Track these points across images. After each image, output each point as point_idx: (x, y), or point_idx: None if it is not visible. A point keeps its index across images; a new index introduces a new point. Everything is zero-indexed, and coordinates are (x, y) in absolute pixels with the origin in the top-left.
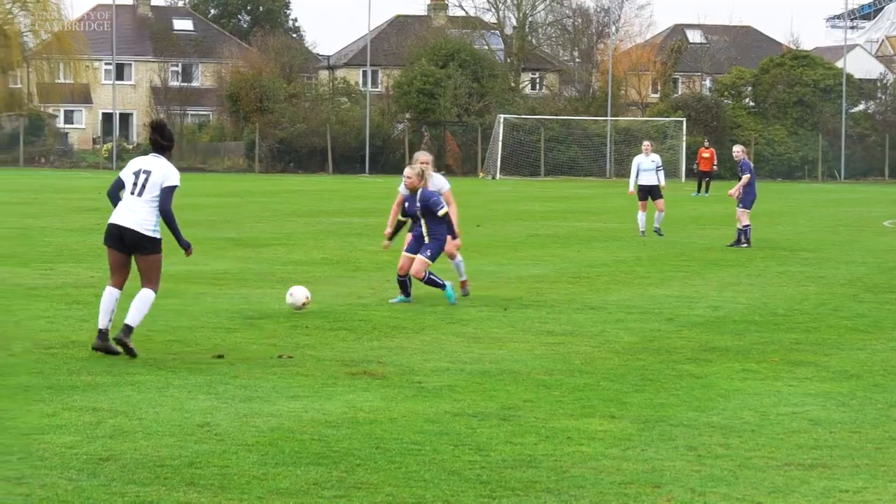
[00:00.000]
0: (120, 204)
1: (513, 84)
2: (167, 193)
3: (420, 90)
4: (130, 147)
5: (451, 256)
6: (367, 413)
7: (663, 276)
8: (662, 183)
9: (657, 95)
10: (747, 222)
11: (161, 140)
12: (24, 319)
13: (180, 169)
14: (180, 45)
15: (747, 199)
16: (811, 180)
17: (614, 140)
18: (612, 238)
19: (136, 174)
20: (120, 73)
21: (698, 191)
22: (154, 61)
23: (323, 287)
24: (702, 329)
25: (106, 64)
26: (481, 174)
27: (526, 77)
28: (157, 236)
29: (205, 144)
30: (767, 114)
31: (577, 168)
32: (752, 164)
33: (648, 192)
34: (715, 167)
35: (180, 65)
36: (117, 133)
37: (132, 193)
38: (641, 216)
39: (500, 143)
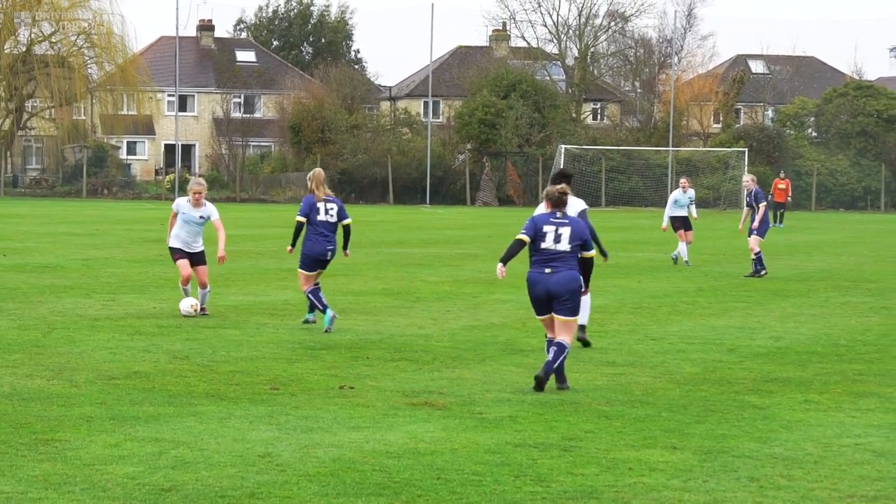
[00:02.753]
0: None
1: (574, 114)
2: None
3: (481, 120)
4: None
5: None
6: (428, 444)
7: (725, 307)
8: (695, 215)
9: (719, 126)
10: (759, 249)
11: None
12: (87, 350)
13: (243, 200)
14: (243, 77)
15: (762, 228)
16: (874, 211)
17: (676, 170)
18: (673, 268)
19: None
20: (183, 104)
21: (774, 221)
22: (217, 93)
23: (383, 318)
24: (764, 360)
25: (169, 95)
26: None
27: (587, 107)
28: None
29: (266, 175)
30: (830, 144)
31: (639, 198)
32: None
33: (682, 224)
34: (789, 198)
35: (242, 96)
36: (179, 164)
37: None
38: (682, 245)
39: None
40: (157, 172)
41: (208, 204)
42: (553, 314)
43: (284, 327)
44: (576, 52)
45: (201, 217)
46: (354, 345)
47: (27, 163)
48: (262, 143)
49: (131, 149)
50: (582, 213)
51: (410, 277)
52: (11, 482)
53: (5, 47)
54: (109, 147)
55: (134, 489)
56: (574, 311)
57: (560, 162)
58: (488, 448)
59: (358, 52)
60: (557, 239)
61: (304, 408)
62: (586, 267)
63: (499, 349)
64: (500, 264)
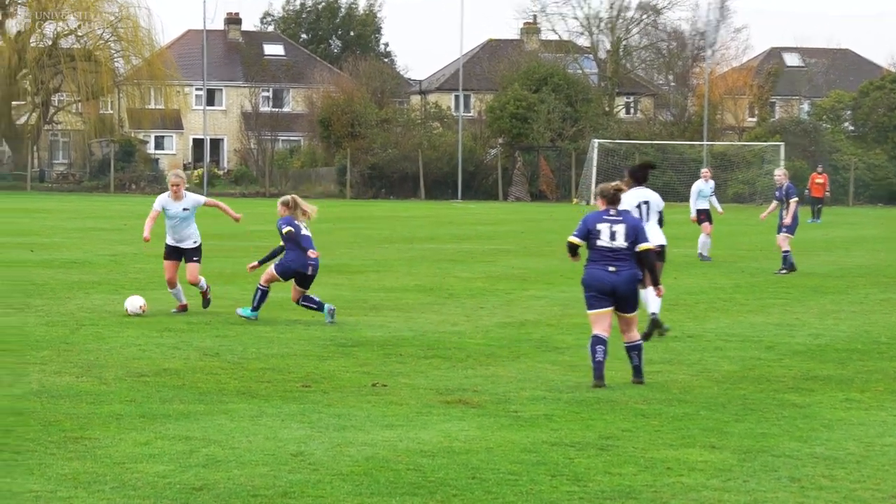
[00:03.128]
0: None
1: (607, 108)
2: None
3: (513, 115)
4: (221, 173)
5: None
6: (462, 442)
7: (763, 304)
8: (720, 210)
9: (754, 119)
10: (788, 248)
11: None
12: (115, 347)
13: (272, 195)
14: (271, 70)
15: (793, 224)
16: None
17: (711, 165)
18: (709, 264)
19: None
20: (211, 98)
21: (811, 217)
22: (245, 86)
23: (416, 314)
24: (803, 357)
25: (197, 89)
26: (575, 200)
27: (620, 101)
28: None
29: (296, 170)
30: (867, 138)
31: (673, 193)
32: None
33: (707, 216)
34: (827, 193)
35: (271, 90)
36: (208, 159)
37: None
38: (705, 239)
39: (595, 168)
40: (185, 167)
41: (189, 194)
42: (617, 312)
43: (316, 324)
44: (608, 45)
45: (185, 209)
46: (387, 342)
47: (54, 157)
48: (292, 138)
49: (159, 143)
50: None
51: (443, 273)
52: (41, 481)
53: (31, 41)
54: (137, 141)
55: (164, 488)
56: (636, 305)
57: (593, 156)
58: (524, 447)
59: (387, 45)
60: (612, 236)
61: (336, 406)
62: (644, 261)
63: (533, 346)
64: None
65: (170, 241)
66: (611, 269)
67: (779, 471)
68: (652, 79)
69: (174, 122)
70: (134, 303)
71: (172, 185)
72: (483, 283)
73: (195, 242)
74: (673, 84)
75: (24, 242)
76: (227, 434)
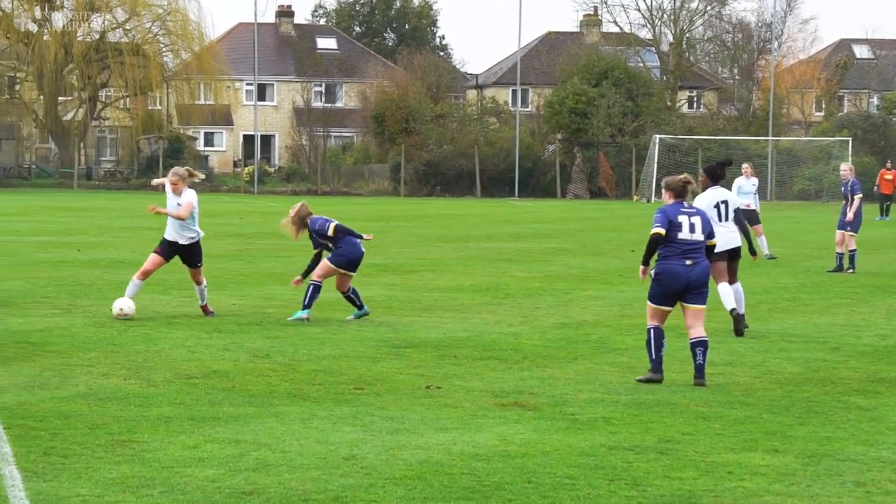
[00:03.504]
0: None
1: (669, 103)
2: None
3: (572, 109)
4: (272, 170)
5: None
6: (518, 446)
7: (828, 304)
8: (757, 207)
9: (821, 114)
10: (855, 246)
11: None
12: (164, 348)
13: (324, 193)
14: (324, 65)
15: (856, 222)
16: None
17: (776, 161)
18: (773, 264)
19: None
20: (262, 93)
21: (882, 214)
22: (297, 81)
23: (471, 315)
24: (870, 359)
25: (247, 84)
26: (635, 197)
27: (683, 95)
28: None
29: (348, 167)
30: None
31: None
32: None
33: (747, 217)
34: None
35: (324, 85)
36: (259, 155)
37: None
38: (763, 239)
39: (656, 165)
40: (235, 164)
41: (188, 191)
42: (687, 305)
43: (368, 324)
44: (670, 38)
45: (178, 205)
46: (441, 343)
47: (101, 154)
48: (344, 134)
49: (208, 140)
50: (736, 210)
51: (499, 273)
52: (88, 485)
53: (78, 35)
54: (186, 138)
55: (214, 492)
56: (706, 298)
57: (654, 153)
58: (581, 450)
59: (443, 38)
60: (692, 229)
61: (389, 408)
62: (710, 255)
63: (591, 347)
64: (642, 266)
65: (170, 235)
66: (688, 262)
67: (843, 475)
68: (716, 72)
69: (224, 117)
70: (118, 304)
71: (171, 184)
72: (540, 283)
73: (195, 238)
74: (737, 77)
75: (70, 242)
76: (277, 437)
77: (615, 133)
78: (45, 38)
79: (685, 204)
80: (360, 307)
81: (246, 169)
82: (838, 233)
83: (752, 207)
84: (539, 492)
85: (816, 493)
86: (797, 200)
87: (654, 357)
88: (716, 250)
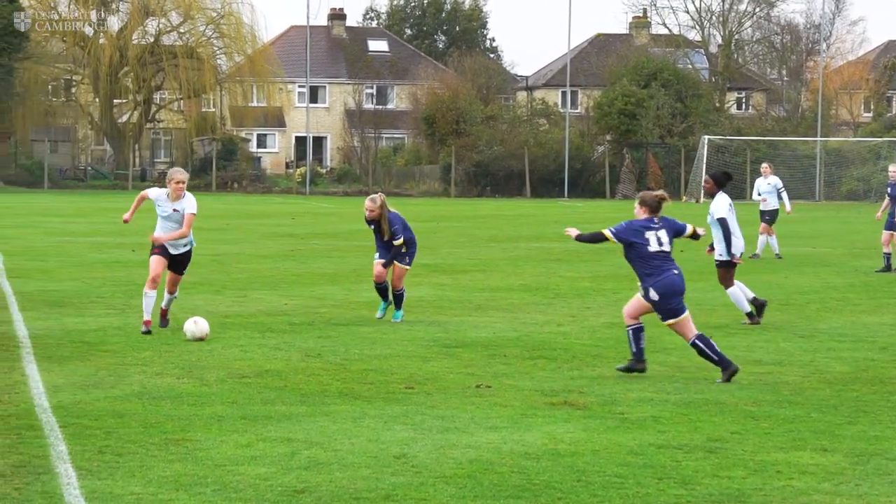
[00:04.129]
0: None
1: (718, 104)
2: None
3: (621, 111)
4: (324, 171)
5: None
6: (568, 444)
7: (877, 303)
8: (788, 208)
9: (869, 115)
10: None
11: None
12: (217, 348)
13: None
14: (375, 67)
15: None
16: None
17: (824, 161)
18: (822, 263)
19: None
20: (314, 95)
21: None
22: (348, 83)
23: (521, 315)
24: None
25: (299, 86)
26: (684, 198)
27: (731, 96)
28: None
29: (399, 168)
30: None
31: (786, 190)
32: None
33: (762, 216)
34: None
35: (375, 86)
36: (311, 157)
37: None
38: (762, 239)
39: (704, 165)
40: (287, 165)
41: (189, 196)
42: (679, 314)
43: (419, 324)
44: (719, 39)
45: (175, 210)
46: (491, 343)
47: (155, 156)
48: (395, 136)
49: (261, 141)
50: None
51: (548, 273)
52: (142, 483)
53: (133, 38)
54: (239, 139)
55: (266, 490)
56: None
57: (703, 153)
58: (630, 449)
59: (493, 40)
60: (660, 242)
61: (439, 407)
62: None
63: None
64: (576, 231)
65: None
66: (675, 271)
67: (893, 474)
68: (764, 73)
69: (276, 119)
70: (191, 327)
71: (176, 183)
72: (589, 283)
73: (186, 246)
74: (786, 79)
75: (125, 242)
76: (328, 436)
77: (664, 134)
78: (101, 41)
79: (655, 220)
80: (399, 305)
81: (298, 170)
82: (885, 233)
83: (772, 208)
84: (588, 490)
85: (865, 493)
86: (846, 200)
87: (636, 349)
88: (734, 257)
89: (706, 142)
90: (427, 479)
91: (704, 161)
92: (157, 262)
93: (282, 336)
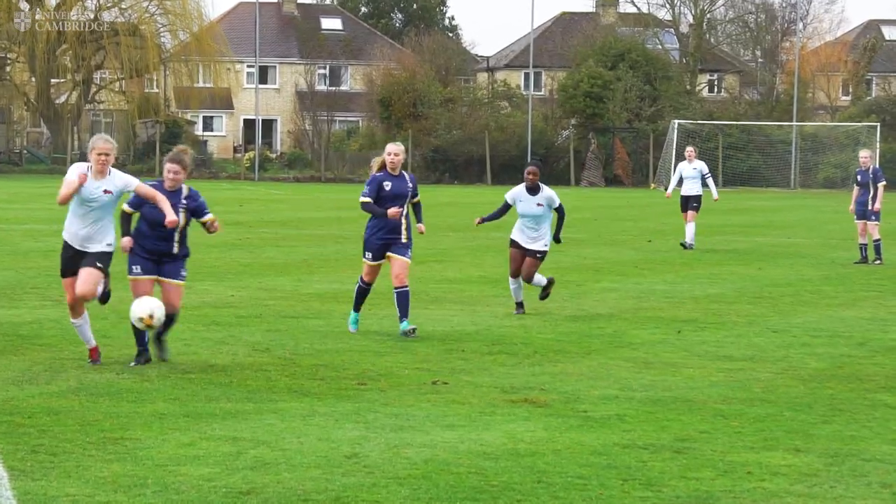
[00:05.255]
0: None
1: (688, 87)
2: None
3: (587, 93)
4: (274, 156)
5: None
6: (528, 444)
7: (854, 297)
8: (714, 194)
9: (848, 98)
10: (879, 237)
11: None
12: None
13: (328, 180)
14: (328, 46)
15: (879, 211)
16: None
17: (800, 147)
18: (796, 255)
19: None
20: (263, 76)
21: None
22: (300, 63)
23: (480, 307)
24: None
25: (248, 66)
26: (652, 185)
27: (703, 79)
28: None
29: (353, 153)
30: None
31: (758, 178)
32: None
33: (688, 202)
34: None
35: (328, 67)
36: (260, 141)
37: None
38: (691, 227)
39: (674, 151)
40: (235, 150)
41: (117, 172)
42: None
43: (372, 317)
44: (690, 19)
45: (105, 192)
46: (448, 336)
47: None
48: (349, 118)
49: (208, 124)
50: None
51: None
52: (78, 483)
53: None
54: (184, 122)
55: (210, 492)
56: None
57: (673, 138)
58: (594, 449)
59: (452, 19)
60: None
61: (393, 405)
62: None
63: (605, 342)
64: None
65: (71, 238)
66: None
67: (869, 476)
68: (738, 54)
69: (224, 101)
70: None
71: (100, 154)
72: (551, 274)
73: (109, 246)
74: (760, 60)
75: (60, 230)
76: (276, 435)
77: (632, 118)
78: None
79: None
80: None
81: (246, 155)
82: (859, 223)
83: (695, 193)
84: (549, 492)
85: (840, 495)
86: (822, 189)
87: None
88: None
89: (676, 126)
90: (380, 480)
91: (675, 146)
92: (71, 285)
93: (228, 329)
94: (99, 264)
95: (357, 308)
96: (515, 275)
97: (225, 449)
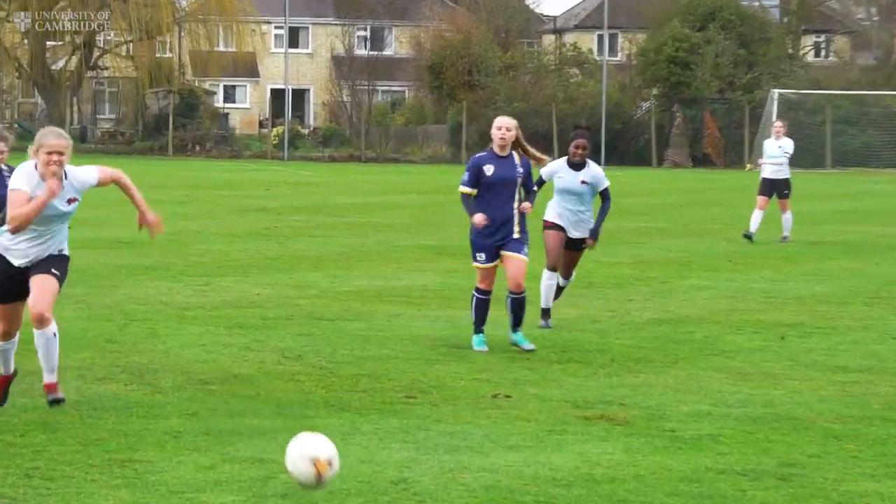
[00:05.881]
0: None
1: (790, 50)
2: None
3: (671, 59)
4: (306, 132)
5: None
6: (605, 469)
7: None
8: (786, 173)
9: None
10: None
11: None
12: (173, 347)
13: (369, 159)
14: (369, 5)
15: None
16: None
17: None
18: None
19: None
20: (294, 38)
21: None
22: (336, 24)
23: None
24: None
25: (276, 27)
26: (748, 165)
27: (808, 41)
28: None
29: (399, 128)
30: None
31: (874, 157)
32: None
33: (773, 187)
34: None
35: (369, 28)
36: (290, 114)
37: None
38: (757, 214)
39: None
40: (261, 124)
41: (75, 170)
42: None
43: (423, 319)
44: None
45: (70, 201)
46: (509, 343)
47: (99, 111)
48: (394, 88)
49: (229, 95)
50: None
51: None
52: None
53: None
54: (202, 92)
55: None
56: None
57: (773, 111)
58: (683, 475)
59: None
60: None
61: (447, 421)
62: None
63: (695, 349)
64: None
65: (12, 256)
66: None
67: None
68: (849, 13)
69: (248, 68)
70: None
71: (48, 153)
72: (631, 270)
73: (59, 252)
74: (876, 19)
75: None
76: None
77: (724, 87)
78: None
79: None
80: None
81: (274, 130)
82: None
83: (784, 177)
84: None
85: None
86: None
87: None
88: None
89: (776, 97)
90: None
91: (774, 120)
92: (7, 313)
93: (254, 333)
94: (56, 271)
95: (479, 328)
96: (554, 267)
97: (251, 473)
